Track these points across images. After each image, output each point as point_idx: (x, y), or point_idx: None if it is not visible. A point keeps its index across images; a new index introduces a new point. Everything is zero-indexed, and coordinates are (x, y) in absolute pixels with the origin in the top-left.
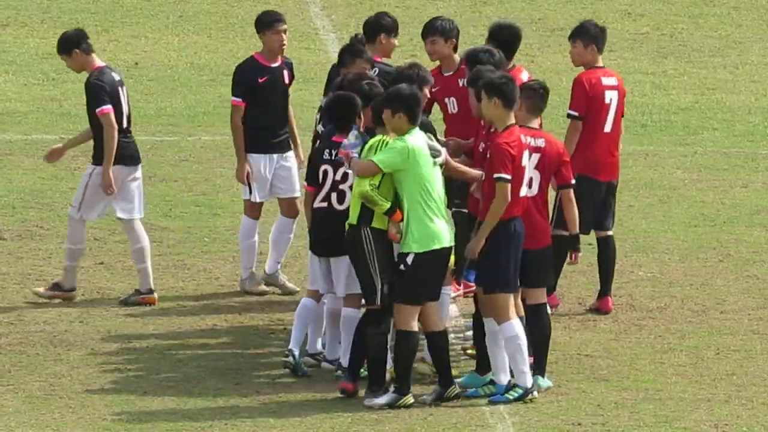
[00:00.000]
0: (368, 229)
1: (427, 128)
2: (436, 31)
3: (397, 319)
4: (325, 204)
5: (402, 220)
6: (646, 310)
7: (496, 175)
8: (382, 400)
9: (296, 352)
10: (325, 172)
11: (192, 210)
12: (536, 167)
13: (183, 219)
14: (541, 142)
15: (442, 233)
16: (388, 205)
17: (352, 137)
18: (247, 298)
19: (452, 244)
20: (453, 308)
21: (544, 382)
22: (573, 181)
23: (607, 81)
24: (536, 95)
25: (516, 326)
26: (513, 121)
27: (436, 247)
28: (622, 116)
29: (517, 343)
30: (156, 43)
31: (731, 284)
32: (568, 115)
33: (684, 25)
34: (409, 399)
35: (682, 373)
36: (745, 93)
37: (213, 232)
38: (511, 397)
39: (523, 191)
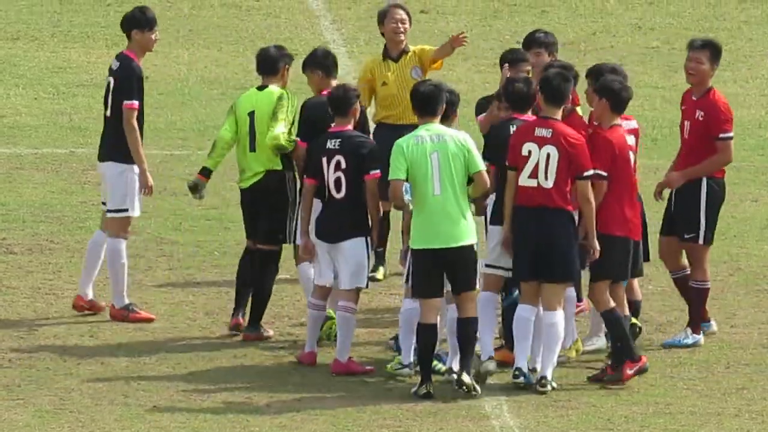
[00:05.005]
0: (292, 173)
1: None
2: (541, 43)
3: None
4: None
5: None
6: (656, 324)
7: None
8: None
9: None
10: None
11: (202, 224)
12: None
13: (193, 233)
14: None
15: (439, 233)
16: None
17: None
18: None
19: (448, 246)
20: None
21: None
22: None
23: None
24: None
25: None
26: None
27: (427, 246)
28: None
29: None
30: (166, 57)
31: (741, 298)
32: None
33: None
34: (422, 390)
35: (693, 387)
36: (756, 107)
37: (223, 246)
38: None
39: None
